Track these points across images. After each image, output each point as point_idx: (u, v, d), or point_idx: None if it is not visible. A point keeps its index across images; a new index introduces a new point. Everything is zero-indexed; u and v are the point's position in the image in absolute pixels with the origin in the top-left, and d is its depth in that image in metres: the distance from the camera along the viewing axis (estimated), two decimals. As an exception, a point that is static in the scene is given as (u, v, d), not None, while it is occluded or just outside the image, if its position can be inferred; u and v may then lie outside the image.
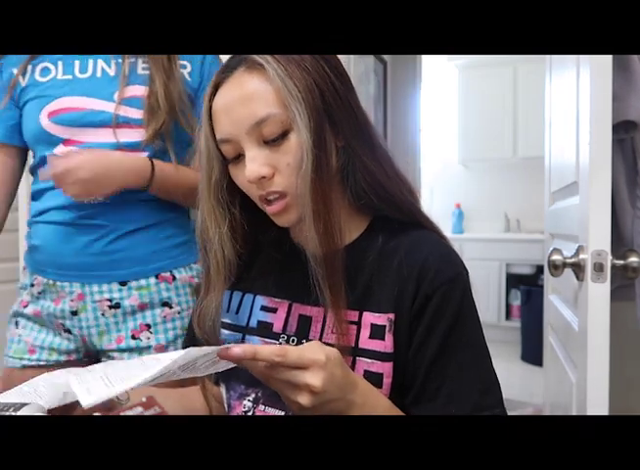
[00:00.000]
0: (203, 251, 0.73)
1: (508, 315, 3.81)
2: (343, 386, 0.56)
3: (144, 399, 0.53)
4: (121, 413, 0.52)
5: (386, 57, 2.67)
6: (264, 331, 0.74)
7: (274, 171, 0.65)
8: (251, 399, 0.73)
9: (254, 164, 0.65)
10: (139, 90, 0.98)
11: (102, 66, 1.00)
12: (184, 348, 0.81)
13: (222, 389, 0.77)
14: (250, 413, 0.73)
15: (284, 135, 0.65)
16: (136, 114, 0.97)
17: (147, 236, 1.01)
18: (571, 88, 1.12)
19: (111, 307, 1.00)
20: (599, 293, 0.90)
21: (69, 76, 0.99)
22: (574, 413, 1.05)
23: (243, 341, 0.75)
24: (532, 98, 3.61)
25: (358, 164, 0.68)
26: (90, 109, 0.97)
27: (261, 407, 0.72)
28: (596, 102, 0.91)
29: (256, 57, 0.64)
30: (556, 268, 1.01)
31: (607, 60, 0.89)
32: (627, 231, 1.19)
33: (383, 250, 0.71)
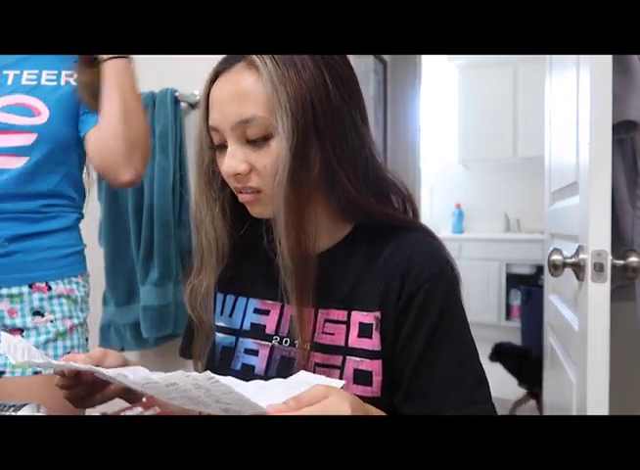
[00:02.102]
0: (195, 232, 0.75)
1: (508, 315, 3.81)
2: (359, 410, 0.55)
3: (144, 399, 0.53)
4: (122, 413, 0.52)
5: (386, 57, 2.67)
6: (257, 333, 0.74)
7: (251, 169, 0.67)
8: None
9: (233, 160, 0.66)
10: (23, 99, 1.00)
11: None
12: (183, 342, 0.82)
13: None
14: None
15: (265, 139, 0.65)
16: (16, 120, 0.99)
17: (27, 245, 1.01)
18: (571, 88, 1.11)
19: None
20: (599, 293, 0.90)
21: None
22: (574, 413, 1.05)
23: (236, 343, 0.75)
24: (532, 98, 3.60)
25: (338, 180, 0.68)
26: None
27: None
28: (596, 102, 0.91)
29: (255, 57, 0.64)
30: (556, 268, 1.01)
31: (607, 60, 0.89)
32: (627, 231, 1.19)
33: (368, 250, 0.71)
